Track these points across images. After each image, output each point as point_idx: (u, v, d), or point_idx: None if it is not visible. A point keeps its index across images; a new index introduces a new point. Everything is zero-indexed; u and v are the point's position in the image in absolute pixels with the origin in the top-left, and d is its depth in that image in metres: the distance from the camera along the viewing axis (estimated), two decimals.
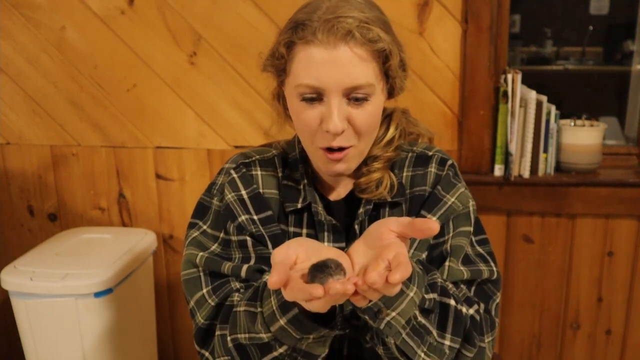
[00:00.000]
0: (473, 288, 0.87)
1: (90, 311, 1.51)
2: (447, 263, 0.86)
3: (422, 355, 0.74)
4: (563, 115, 1.67)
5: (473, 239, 0.91)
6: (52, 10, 1.72)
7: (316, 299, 0.58)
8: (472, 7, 1.54)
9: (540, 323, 1.77)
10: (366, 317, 0.71)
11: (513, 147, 1.59)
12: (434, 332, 0.75)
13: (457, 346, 0.77)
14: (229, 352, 0.79)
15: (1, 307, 1.89)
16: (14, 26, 1.75)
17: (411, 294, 0.71)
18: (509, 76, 1.56)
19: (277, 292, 0.70)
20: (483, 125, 1.62)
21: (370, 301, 0.68)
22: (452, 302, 0.78)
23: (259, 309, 0.73)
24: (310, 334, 0.69)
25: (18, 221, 1.94)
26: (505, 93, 1.56)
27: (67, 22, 1.72)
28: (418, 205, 0.91)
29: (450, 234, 0.88)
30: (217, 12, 1.65)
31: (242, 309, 0.77)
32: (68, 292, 1.48)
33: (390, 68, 0.81)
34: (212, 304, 0.85)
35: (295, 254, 0.64)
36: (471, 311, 0.82)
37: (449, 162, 0.93)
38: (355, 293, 0.59)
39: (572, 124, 1.68)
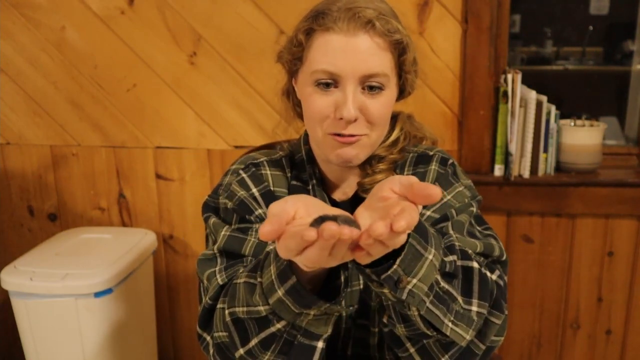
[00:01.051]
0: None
1: (90, 311, 1.51)
2: (452, 234, 0.82)
3: (450, 324, 0.69)
4: (563, 115, 1.67)
5: (478, 227, 0.90)
6: (52, 10, 1.72)
7: (309, 244, 0.52)
8: (472, 7, 1.54)
9: (540, 323, 1.77)
10: (385, 290, 0.66)
11: (513, 147, 1.59)
12: (460, 299, 0.71)
13: (484, 312, 0.73)
14: (226, 327, 0.74)
15: (1, 307, 1.89)
16: (14, 26, 1.75)
17: (430, 257, 0.65)
18: (509, 76, 1.56)
19: (278, 259, 0.65)
20: (483, 125, 1.62)
21: (377, 278, 0.64)
22: (475, 264, 0.74)
23: (259, 280, 0.69)
24: (309, 308, 0.65)
25: (18, 221, 1.94)
26: (505, 93, 1.56)
27: (67, 22, 1.72)
28: None
29: (450, 221, 0.87)
30: (217, 12, 1.65)
31: (241, 280, 0.72)
32: (68, 292, 1.49)
33: (405, 62, 0.84)
34: (220, 282, 0.82)
35: (294, 209, 0.58)
36: (494, 276, 0.79)
37: (450, 161, 0.94)
38: (357, 248, 0.54)
39: (572, 124, 1.68)
